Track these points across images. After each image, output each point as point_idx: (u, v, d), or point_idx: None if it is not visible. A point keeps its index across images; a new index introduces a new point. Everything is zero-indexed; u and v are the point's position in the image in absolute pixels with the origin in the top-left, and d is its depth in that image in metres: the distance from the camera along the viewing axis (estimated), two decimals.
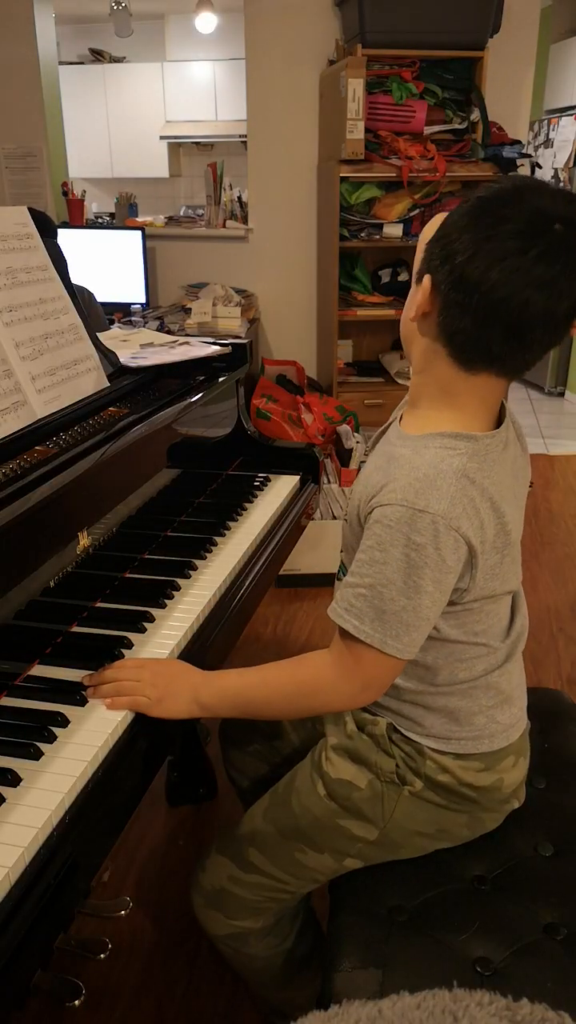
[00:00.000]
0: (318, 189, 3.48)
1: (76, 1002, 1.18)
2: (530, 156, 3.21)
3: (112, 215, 4.71)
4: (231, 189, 3.80)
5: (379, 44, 2.95)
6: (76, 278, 1.46)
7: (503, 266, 0.83)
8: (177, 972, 1.52)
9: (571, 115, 5.08)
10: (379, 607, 0.91)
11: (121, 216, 4.19)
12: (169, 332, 2.98)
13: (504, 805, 1.11)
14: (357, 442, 2.94)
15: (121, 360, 1.54)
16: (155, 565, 1.34)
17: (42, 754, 0.91)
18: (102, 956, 1.20)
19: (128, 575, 1.30)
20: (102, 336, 1.56)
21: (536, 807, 1.16)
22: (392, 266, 3.49)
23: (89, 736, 0.95)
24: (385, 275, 3.49)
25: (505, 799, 1.10)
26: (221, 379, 1.64)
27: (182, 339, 1.77)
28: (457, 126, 3.18)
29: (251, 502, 1.60)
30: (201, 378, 1.61)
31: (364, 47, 2.93)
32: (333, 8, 3.26)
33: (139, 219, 4.02)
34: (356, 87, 2.89)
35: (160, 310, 3.52)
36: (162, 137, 7.00)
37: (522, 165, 3.12)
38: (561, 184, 4.91)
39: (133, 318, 3.35)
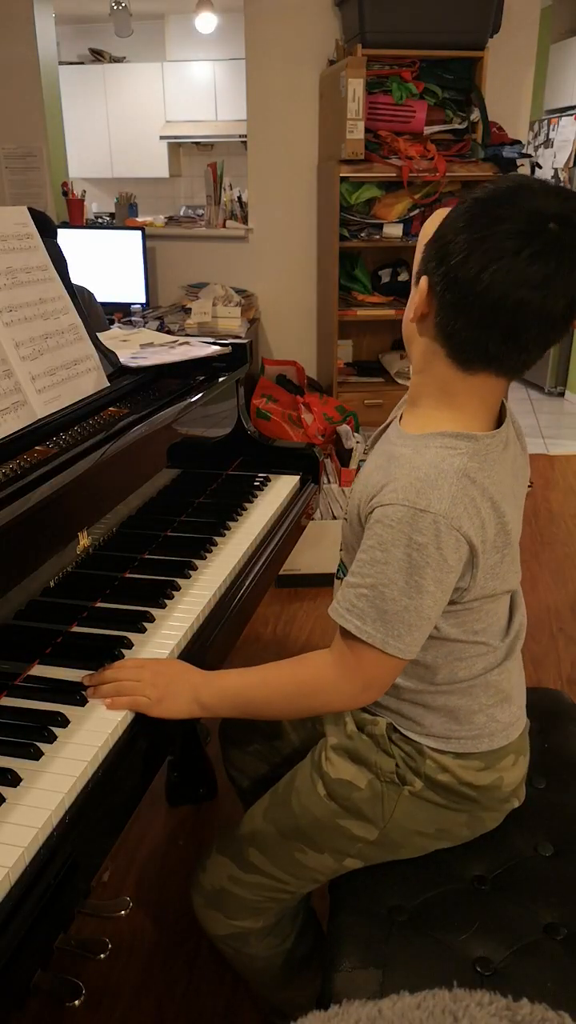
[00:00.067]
0: (318, 189, 3.48)
1: (76, 1002, 1.18)
2: (530, 156, 3.21)
3: (112, 215, 4.71)
4: (231, 189, 3.80)
5: (379, 44, 2.95)
6: (76, 278, 1.46)
7: (497, 267, 0.83)
8: (177, 972, 1.52)
9: (571, 115, 5.08)
10: (381, 607, 0.91)
11: (121, 216, 4.19)
12: (169, 332, 2.98)
13: (504, 804, 1.11)
14: (357, 442, 2.94)
15: (121, 360, 1.54)
16: (155, 565, 1.34)
17: (42, 754, 0.91)
18: (102, 956, 1.20)
19: (128, 575, 1.30)
20: (102, 336, 1.56)
21: (536, 807, 1.16)
22: (392, 266, 3.49)
23: (89, 736, 0.95)
24: (385, 275, 3.49)
25: (505, 798, 1.10)
26: (221, 379, 1.64)
27: (182, 339, 1.77)
28: (457, 126, 3.18)
29: (251, 502, 1.60)
30: (201, 378, 1.61)
31: (364, 47, 2.93)
32: (333, 8, 3.26)
33: (139, 219, 4.02)
34: (356, 87, 2.89)
35: (160, 310, 3.52)
36: (162, 137, 7.00)
37: (522, 165, 3.12)
38: (561, 184, 4.91)
39: (133, 318, 3.35)
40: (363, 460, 1.07)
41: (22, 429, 1.19)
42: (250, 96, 3.45)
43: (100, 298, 2.35)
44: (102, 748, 0.93)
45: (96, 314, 2.26)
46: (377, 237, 3.24)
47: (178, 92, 6.88)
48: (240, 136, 5.40)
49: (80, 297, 1.45)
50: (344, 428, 3.02)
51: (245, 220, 3.65)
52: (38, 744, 0.91)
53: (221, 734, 1.40)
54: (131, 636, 1.13)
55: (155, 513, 1.41)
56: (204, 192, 3.65)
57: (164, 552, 1.38)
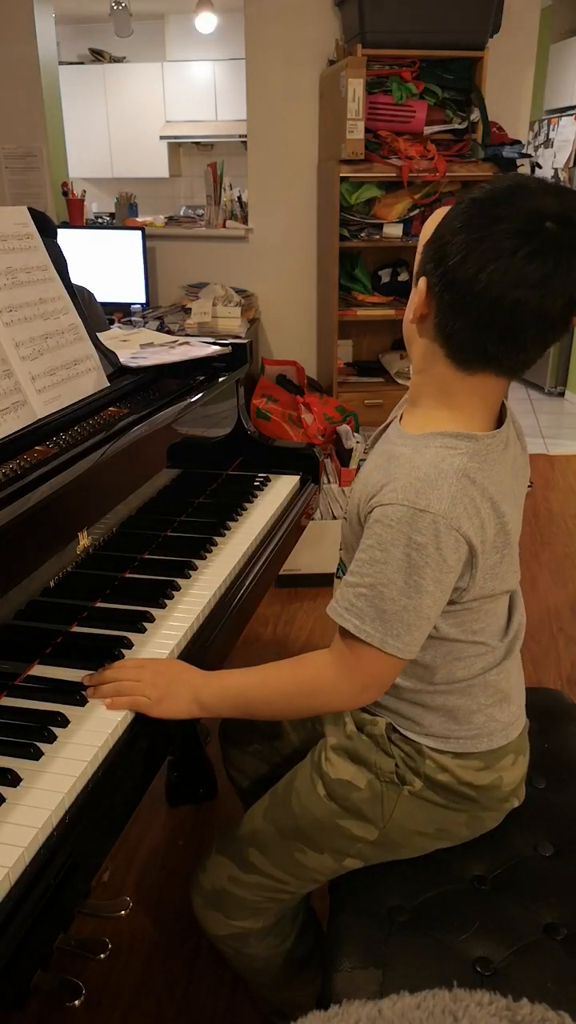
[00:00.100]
0: (318, 189, 3.48)
1: (76, 1002, 1.18)
2: (530, 156, 3.21)
3: (112, 215, 4.71)
4: (231, 189, 3.80)
5: (379, 44, 2.95)
6: (76, 278, 1.46)
7: (494, 267, 0.83)
8: (177, 972, 1.52)
9: (571, 115, 5.08)
10: (380, 607, 0.91)
11: (121, 216, 4.19)
12: (169, 332, 2.98)
13: (504, 804, 1.11)
14: (357, 442, 2.94)
15: (121, 360, 1.54)
16: (155, 565, 1.34)
17: (42, 754, 0.91)
18: (102, 956, 1.20)
19: (128, 575, 1.30)
20: (102, 336, 1.56)
21: (536, 807, 1.16)
22: (392, 266, 3.50)
23: (89, 736, 0.95)
24: (385, 275, 3.49)
25: (505, 798, 1.10)
26: (221, 379, 1.64)
27: (182, 339, 1.77)
28: (457, 126, 3.18)
29: (251, 502, 1.60)
30: (201, 378, 1.61)
31: (364, 47, 2.93)
32: (333, 8, 3.26)
33: (139, 219, 4.02)
34: (356, 87, 2.90)
35: (160, 310, 3.52)
36: (162, 137, 7.00)
37: (522, 165, 3.12)
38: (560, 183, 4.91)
39: (133, 318, 3.35)
40: (363, 460, 1.07)
41: (22, 429, 1.19)
42: (250, 96, 3.45)
43: (100, 298, 2.35)
44: (102, 748, 0.93)
45: (96, 314, 2.26)
46: (377, 237, 3.24)
47: (178, 92, 6.89)
48: (240, 136, 5.40)
49: (80, 297, 1.45)
50: (344, 428, 3.02)
51: (245, 220, 3.65)
52: (38, 744, 0.91)
53: (221, 734, 1.40)
54: (131, 636, 1.13)
55: (155, 513, 1.41)
56: (204, 192, 3.66)
57: (164, 552, 1.38)
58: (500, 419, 1.00)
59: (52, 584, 1.10)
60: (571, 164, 5.10)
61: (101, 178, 6.81)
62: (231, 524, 1.50)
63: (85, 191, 3.87)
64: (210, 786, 1.91)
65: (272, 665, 1.03)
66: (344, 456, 2.92)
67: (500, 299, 0.84)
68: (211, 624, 1.22)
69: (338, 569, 1.11)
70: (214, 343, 1.73)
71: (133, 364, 1.55)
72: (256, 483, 1.68)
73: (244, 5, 3.32)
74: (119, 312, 3.41)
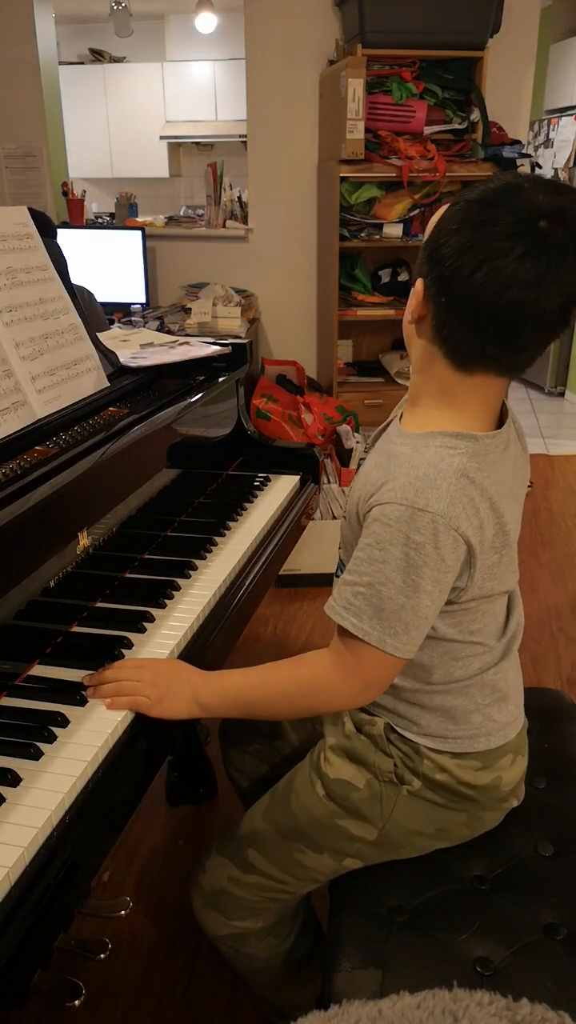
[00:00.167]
0: (318, 189, 3.48)
1: (76, 1002, 1.18)
2: (530, 156, 3.21)
3: (112, 215, 4.71)
4: (231, 189, 3.80)
5: (379, 44, 2.95)
6: (76, 278, 1.46)
7: (489, 268, 0.83)
8: (177, 972, 1.52)
9: (571, 115, 5.08)
10: (378, 605, 0.91)
11: (121, 216, 4.19)
12: (169, 332, 2.98)
13: (503, 803, 1.11)
14: (357, 442, 2.94)
15: (121, 360, 1.54)
16: (155, 565, 1.34)
17: (42, 754, 0.91)
18: (102, 956, 1.20)
19: (128, 575, 1.30)
20: (102, 336, 1.56)
21: (536, 807, 1.16)
22: (392, 266, 3.50)
23: (89, 736, 0.95)
24: (385, 275, 3.49)
25: (504, 797, 1.10)
26: (221, 379, 1.64)
27: (182, 339, 1.77)
28: (457, 126, 3.18)
29: (251, 502, 1.60)
30: (201, 378, 1.61)
31: (364, 47, 2.93)
32: (333, 8, 3.26)
33: (139, 219, 4.02)
34: (356, 87, 2.89)
35: (160, 310, 3.52)
36: (162, 137, 7.00)
37: (522, 165, 3.12)
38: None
39: (133, 318, 3.35)
40: (363, 459, 1.07)
41: (22, 429, 1.19)
42: (250, 96, 3.45)
43: (100, 298, 2.35)
44: (102, 748, 0.93)
45: (96, 314, 2.26)
46: (377, 237, 3.24)
47: (178, 92, 6.89)
48: (240, 136, 5.40)
49: (80, 297, 1.45)
50: (344, 428, 3.02)
51: (245, 220, 3.65)
52: (38, 744, 0.91)
53: (221, 734, 1.40)
54: (131, 636, 1.13)
55: (155, 513, 1.41)
56: (204, 192, 3.66)
57: (164, 552, 1.38)
58: (502, 419, 1.00)
59: (52, 584, 1.10)
60: (571, 164, 5.10)
61: (101, 178, 6.81)
62: (231, 524, 1.50)
63: (85, 191, 3.87)
64: (210, 786, 1.91)
65: (272, 665, 1.03)
66: (344, 456, 2.92)
67: (496, 300, 0.84)
68: (211, 624, 1.22)
69: (338, 568, 1.11)
70: (214, 343, 1.73)
71: (133, 364, 1.55)
72: (256, 483, 1.68)
73: (244, 5, 3.32)
74: (119, 312, 3.41)
